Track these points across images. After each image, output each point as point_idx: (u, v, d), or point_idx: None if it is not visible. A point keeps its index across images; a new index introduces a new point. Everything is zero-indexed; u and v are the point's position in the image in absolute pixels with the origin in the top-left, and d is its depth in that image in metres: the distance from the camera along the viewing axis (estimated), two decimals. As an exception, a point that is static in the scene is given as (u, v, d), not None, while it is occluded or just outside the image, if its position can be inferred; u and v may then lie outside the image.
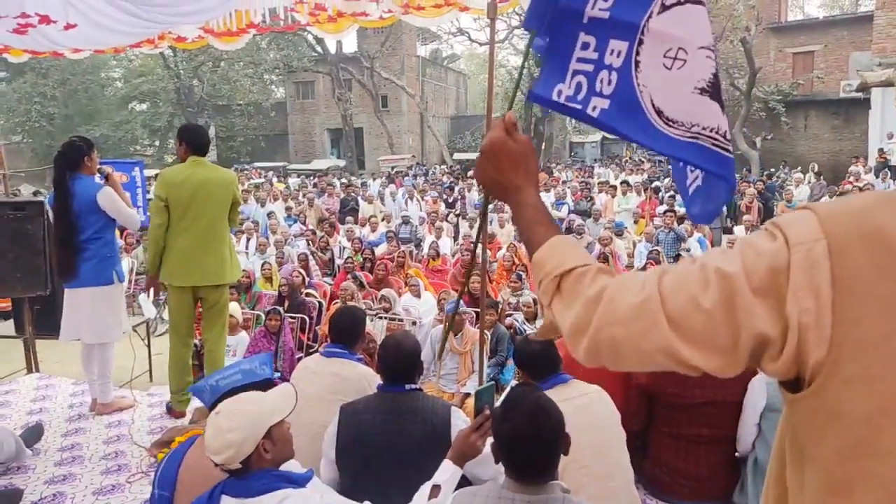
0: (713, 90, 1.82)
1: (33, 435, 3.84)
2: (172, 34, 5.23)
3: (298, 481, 1.84)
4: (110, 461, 3.66)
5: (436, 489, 2.00)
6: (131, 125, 33.45)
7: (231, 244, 4.22)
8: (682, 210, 10.93)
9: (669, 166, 21.74)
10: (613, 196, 13.03)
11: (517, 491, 1.75)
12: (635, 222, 11.41)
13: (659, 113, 1.84)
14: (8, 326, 6.07)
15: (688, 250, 9.06)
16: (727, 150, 1.85)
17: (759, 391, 2.79)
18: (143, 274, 9.51)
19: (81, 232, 4.06)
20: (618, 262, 8.64)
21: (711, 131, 1.83)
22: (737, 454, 2.97)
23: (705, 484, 2.90)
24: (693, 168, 2.00)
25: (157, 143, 35.75)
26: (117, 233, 4.57)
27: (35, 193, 13.28)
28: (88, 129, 28.52)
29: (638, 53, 1.82)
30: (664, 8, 1.79)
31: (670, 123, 1.84)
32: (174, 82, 31.21)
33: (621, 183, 13.86)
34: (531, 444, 1.75)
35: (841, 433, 0.79)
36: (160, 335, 7.62)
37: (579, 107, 1.91)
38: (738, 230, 10.35)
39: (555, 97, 1.92)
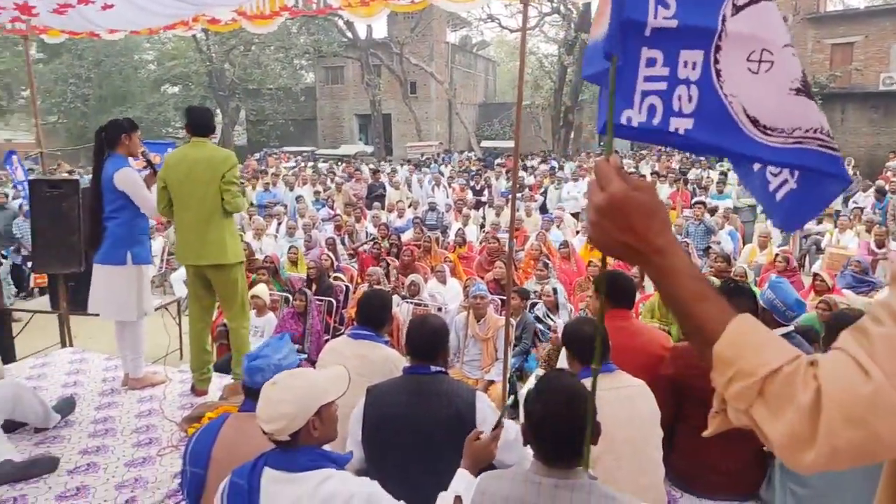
0: (807, 89, 1.67)
1: (66, 406, 3.94)
2: (206, 16, 5.25)
3: (339, 462, 1.86)
4: (141, 434, 3.75)
5: (458, 499, 1.98)
6: (164, 107, 33.80)
7: (230, 226, 4.15)
8: (712, 202, 10.78)
9: (701, 157, 21.28)
10: (643, 187, 12.86)
11: (545, 474, 1.74)
12: (665, 213, 11.26)
13: (755, 122, 1.66)
14: (44, 302, 6.23)
15: (718, 243, 8.93)
16: (834, 149, 1.70)
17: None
18: (174, 254, 9.69)
19: (102, 210, 4.15)
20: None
21: (815, 132, 1.67)
22: (765, 449, 2.93)
23: (734, 478, 2.88)
24: (777, 172, 1.82)
25: (188, 125, 36.13)
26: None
27: (70, 173, 13.55)
28: (122, 111, 28.88)
29: (717, 61, 1.64)
30: (737, 8, 1.61)
31: (769, 132, 1.67)
32: (206, 65, 31.46)
33: (652, 173, 13.70)
34: (562, 426, 1.74)
35: None
36: (190, 314, 7.74)
37: (658, 130, 1.70)
38: (771, 223, 10.13)
39: (624, 123, 1.69)
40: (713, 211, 10.13)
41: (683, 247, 7.76)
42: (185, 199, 4.02)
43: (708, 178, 14.66)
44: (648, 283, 6.88)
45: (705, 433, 0.90)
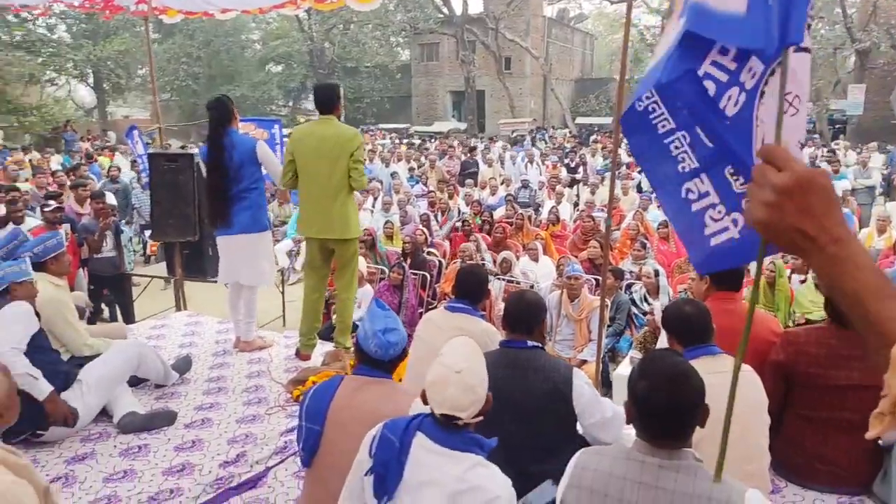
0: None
1: (184, 365, 4.23)
2: (314, -6, 5.42)
3: (485, 448, 1.88)
4: (251, 394, 3.97)
5: None
6: (268, 86, 35.02)
7: (353, 201, 4.27)
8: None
9: (815, 135, 19.87)
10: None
11: (648, 453, 1.72)
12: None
13: None
14: (160, 268, 6.70)
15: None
16: None
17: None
18: (277, 227, 10.14)
19: (240, 182, 4.30)
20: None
21: None
22: (880, 442, 2.78)
23: (842, 470, 2.74)
24: (719, 218, 1.70)
25: (290, 103, 37.46)
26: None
27: (182, 147, 14.38)
28: (229, 89, 30.17)
29: (767, 83, 1.55)
30: (799, 49, 1.51)
31: None
32: (307, 45, 32.38)
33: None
34: (667, 405, 1.71)
35: None
36: (292, 284, 8.13)
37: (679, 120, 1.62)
38: (892, 206, 9.44)
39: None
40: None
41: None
42: (312, 174, 4.15)
43: (823, 156, 13.76)
44: (751, 267, 6.57)
45: (868, 434, 0.85)
